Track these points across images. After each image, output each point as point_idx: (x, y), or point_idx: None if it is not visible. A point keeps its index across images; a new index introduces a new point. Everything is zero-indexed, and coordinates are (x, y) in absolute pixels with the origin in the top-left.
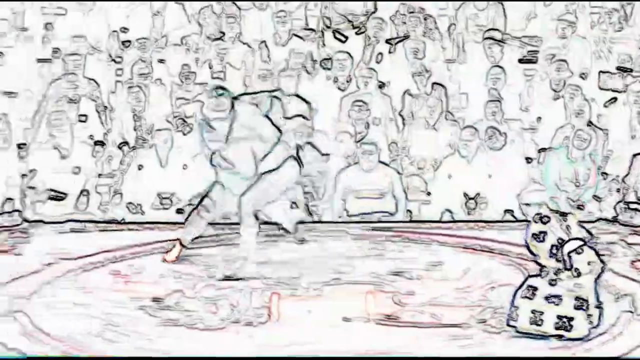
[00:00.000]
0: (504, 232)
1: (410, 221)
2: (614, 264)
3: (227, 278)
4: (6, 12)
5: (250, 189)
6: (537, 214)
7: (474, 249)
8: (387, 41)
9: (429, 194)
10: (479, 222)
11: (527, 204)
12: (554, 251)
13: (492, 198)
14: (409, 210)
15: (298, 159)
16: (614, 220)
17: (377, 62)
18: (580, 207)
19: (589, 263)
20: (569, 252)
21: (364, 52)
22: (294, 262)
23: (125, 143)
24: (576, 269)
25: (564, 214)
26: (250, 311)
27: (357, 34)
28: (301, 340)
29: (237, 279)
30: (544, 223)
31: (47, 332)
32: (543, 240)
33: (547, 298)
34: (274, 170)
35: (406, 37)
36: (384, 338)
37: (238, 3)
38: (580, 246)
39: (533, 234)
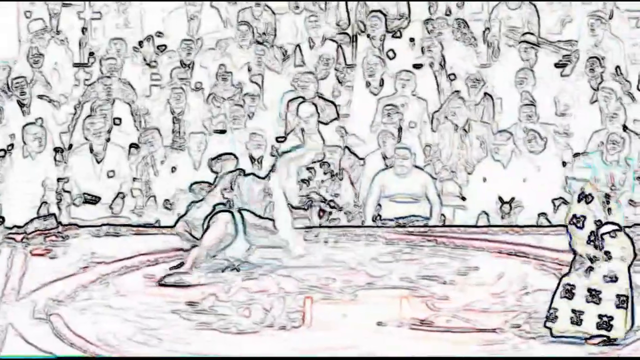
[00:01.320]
0: (538, 237)
1: (445, 225)
2: None
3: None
4: (44, 13)
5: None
6: (581, 192)
7: (508, 254)
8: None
9: (463, 198)
10: (514, 227)
11: (573, 178)
12: (592, 238)
13: (527, 202)
14: (442, 215)
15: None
16: None
17: (390, 59)
18: None
19: (622, 248)
20: (603, 234)
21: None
22: (328, 266)
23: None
24: (607, 252)
25: (607, 196)
26: (283, 315)
27: (392, 37)
28: (335, 345)
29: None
30: (587, 202)
31: (82, 335)
32: (582, 227)
33: (586, 298)
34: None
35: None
36: (418, 343)
37: (273, 7)
38: (615, 230)
39: (573, 217)
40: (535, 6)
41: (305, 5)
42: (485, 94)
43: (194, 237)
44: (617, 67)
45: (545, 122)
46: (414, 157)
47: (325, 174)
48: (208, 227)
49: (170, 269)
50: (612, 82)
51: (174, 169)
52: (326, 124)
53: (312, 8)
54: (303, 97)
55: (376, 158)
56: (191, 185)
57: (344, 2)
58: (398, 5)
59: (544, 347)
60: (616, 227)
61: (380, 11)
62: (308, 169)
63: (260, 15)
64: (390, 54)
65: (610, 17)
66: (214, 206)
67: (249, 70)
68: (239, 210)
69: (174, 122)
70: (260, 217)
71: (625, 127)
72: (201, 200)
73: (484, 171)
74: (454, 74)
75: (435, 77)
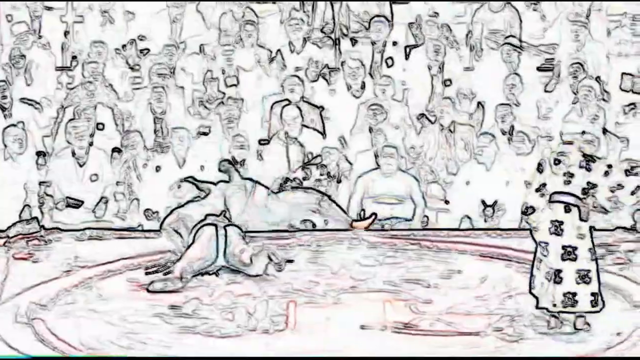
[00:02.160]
0: (521, 240)
1: (428, 229)
2: (633, 272)
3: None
4: (25, 17)
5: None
6: (561, 151)
7: (491, 257)
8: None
9: (447, 202)
10: (497, 230)
11: (561, 133)
12: (523, 209)
13: (510, 205)
14: (426, 216)
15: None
16: (632, 228)
17: (388, 67)
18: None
19: (552, 222)
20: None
21: (372, 57)
22: (311, 270)
23: (144, 147)
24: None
25: (557, 161)
26: (267, 319)
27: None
28: (318, 348)
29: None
30: (540, 172)
31: (64, 339)
32: (540, 172)
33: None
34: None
35: (418, 45)
36: (401, 346)
37: (256, 9)
38: (555, 201)
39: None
40: (517, 9)
41: (294, 5)
42: (479, 103)
43: (179, 234)
44: (598, 77)
45: (526, 124)
46: (403, 160)
47: (321, 175)
48: (194, 240)
49: (146, 273)
50: (591, 80)
51: (158, 168)
52: (307, 126)
53: (297, 11)
54: (288, 100)
55: (366, 157)
56: (221, 161)
57: (330, 7)
58: (381, 8)
59: (527, 350)
60: (556, 199)
61: (384, 16)
62: (304, 169)
63: (242, 17)
64: (389, 62)
65: (588, 16)
66: (206, 216)
67: (223, 72)
68: (225, 227)
69: (155, 122)
70: (243, 237)
71: (605, 130)
72: (205, 197)
73: (467, 174)
74: (450, 80)
75: (432, 79)
